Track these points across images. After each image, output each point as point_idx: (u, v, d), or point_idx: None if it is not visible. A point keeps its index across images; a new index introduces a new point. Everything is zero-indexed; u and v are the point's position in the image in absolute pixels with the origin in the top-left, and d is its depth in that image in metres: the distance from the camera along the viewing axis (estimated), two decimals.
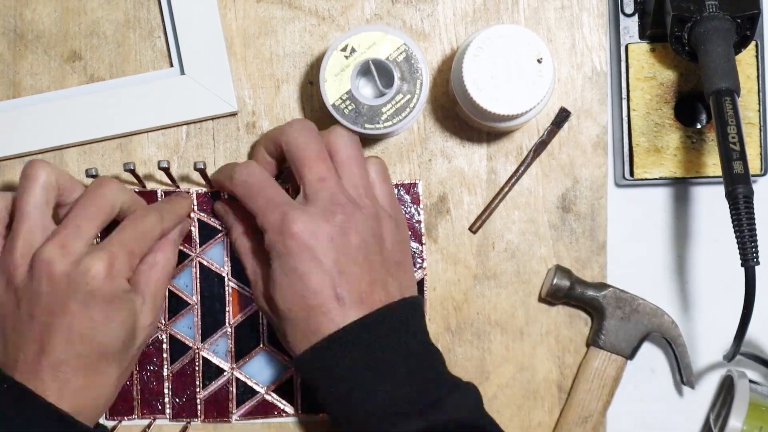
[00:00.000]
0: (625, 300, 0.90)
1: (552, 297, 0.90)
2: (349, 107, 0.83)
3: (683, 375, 0.90)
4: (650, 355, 0.93)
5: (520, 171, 0.90)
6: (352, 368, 0.77)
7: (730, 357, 0.83)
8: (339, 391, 0.78)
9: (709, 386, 0.94)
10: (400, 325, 0.79)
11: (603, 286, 0.90)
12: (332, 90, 0.83)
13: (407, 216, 0.90)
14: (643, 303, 0.90)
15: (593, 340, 0.90)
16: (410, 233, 0.90)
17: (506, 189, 0.90)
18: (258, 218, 0.80)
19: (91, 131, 0.90)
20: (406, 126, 0.86)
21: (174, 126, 0.91)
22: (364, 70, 0.84)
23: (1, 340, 0.79)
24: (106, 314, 0.77)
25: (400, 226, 0.83)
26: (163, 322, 0.90)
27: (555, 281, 0.89)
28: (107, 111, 0.89)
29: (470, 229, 0.91)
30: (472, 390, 0.79)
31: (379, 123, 0.83)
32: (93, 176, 0.84)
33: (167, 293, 0.90)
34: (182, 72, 0.90)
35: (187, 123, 0.91)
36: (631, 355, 0.90)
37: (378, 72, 0.84)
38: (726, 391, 0.92)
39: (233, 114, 0.91)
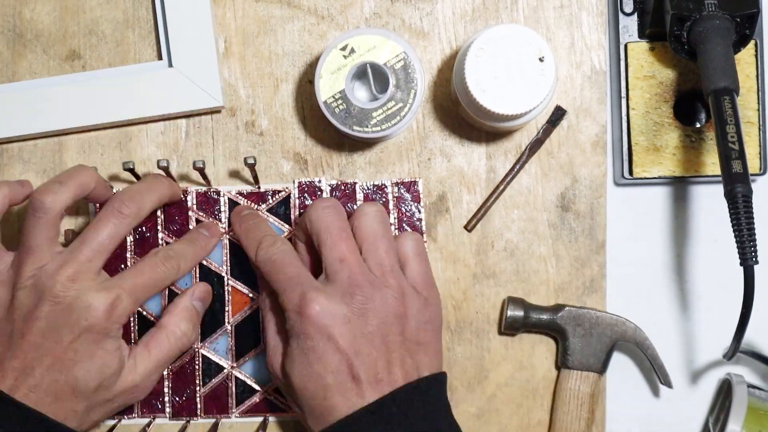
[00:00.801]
0: (583, 316, 0.89)
1: (510, 329, 0.90)
2: (341, 107, 0.83)
3: (659, 376, 0.90)
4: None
5: (516, 169, 0.90)
6: None
7: (729, 355, 0.83)
8: None
9: (708, 386, 0.94)
10: (419, 403, 0.79)
11: (558, 307, 0.89)
12: (326, 87, 0.83)
13: (408, 214, 0.90)
14: (602, 315, 0.89)
15: (562, 362, 0.90)
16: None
17: (501, 187, 0.90)
18: (279, 296, 0.80)
19: (76, 119, 0.90)
20: (394, 134, 0.86)
21: (161, 119, 0.91)
22: (361, 73, 0.84)
23: None
24: (91, 352, 0.78)
25: (429, 305, 0.82)
26: None
27: (508, 313, 0.89)
28: (93, 100, 0.90)
29: (465, 227, 0.91)
30: None
31: (367, 127, 0.83)
32: None
33: (167, 292, 0.90)
34: (170, 65, 0.90)
35: (174, 117, 0.91)
36: (602, 369, 0.90)
37: (374, 76, 0.84)
38: (724, 395, 0.92)
39: (218, 110, 0.91)
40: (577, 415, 0.89)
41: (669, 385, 0.90)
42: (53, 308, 0.77)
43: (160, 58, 0.91)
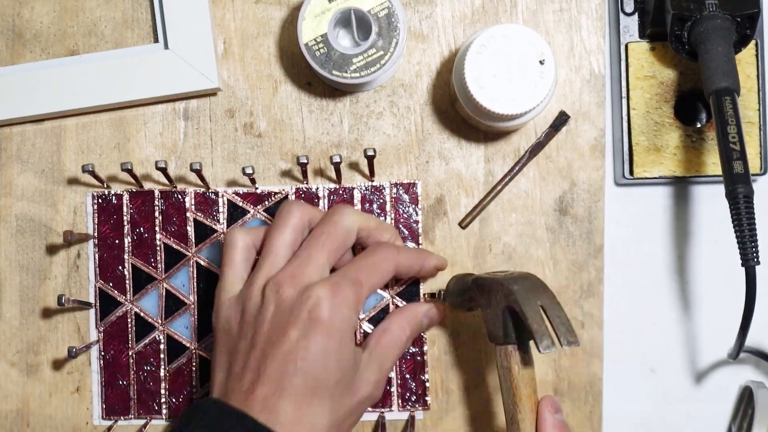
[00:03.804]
0: (484, 285, 0.79)
1: (447, 299, 0.88)
2: (321, 50, 0.83)
3: (536, 341, 0.70)
4: (651, 353, 0.93)
5: (515, 171, 0.90)
6: None
7: (734, 355, 0.83)
8: None
9: (713, 384, 0.94)
10: None
11: (467, 276, 0.84)
12: (308, 30, 0.83)
13: (405, 216, 0.90)
14: (488, 278, 0.79)
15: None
16: (408, 233, 0.90)
17: (500, 187, 0.90)
18: None
19: (71, 102, 0.90)
20: (374, 82, 0.86)
21: (158, 102, 0.91)
22: (345, 21, 0.85)
23: (225, 372, 0.78)
24: (322, 345, 0.75)
25: None
26: (160, 321, 0.90)
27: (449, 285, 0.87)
28: (89, 82, 0.89)
29: (460, 224, 0.90)
30: None
31: (347, 72, 0.83)
32: (89, 172, 0.84)
33: (164, 293, 0.89)
34: (166, 47, 0.89)
35: (171, 100, 0.91)
36: (506, 340, 0.77)
37: (358, 23, 0.84)
38: (746, 402, 0.92)
39: (214, 92, 0.91)
40: (507, 392, 0.78)
41: (540, 350, 0.70)
42: (276, 311, 0.76)
43: (156, 40, 0.91)
